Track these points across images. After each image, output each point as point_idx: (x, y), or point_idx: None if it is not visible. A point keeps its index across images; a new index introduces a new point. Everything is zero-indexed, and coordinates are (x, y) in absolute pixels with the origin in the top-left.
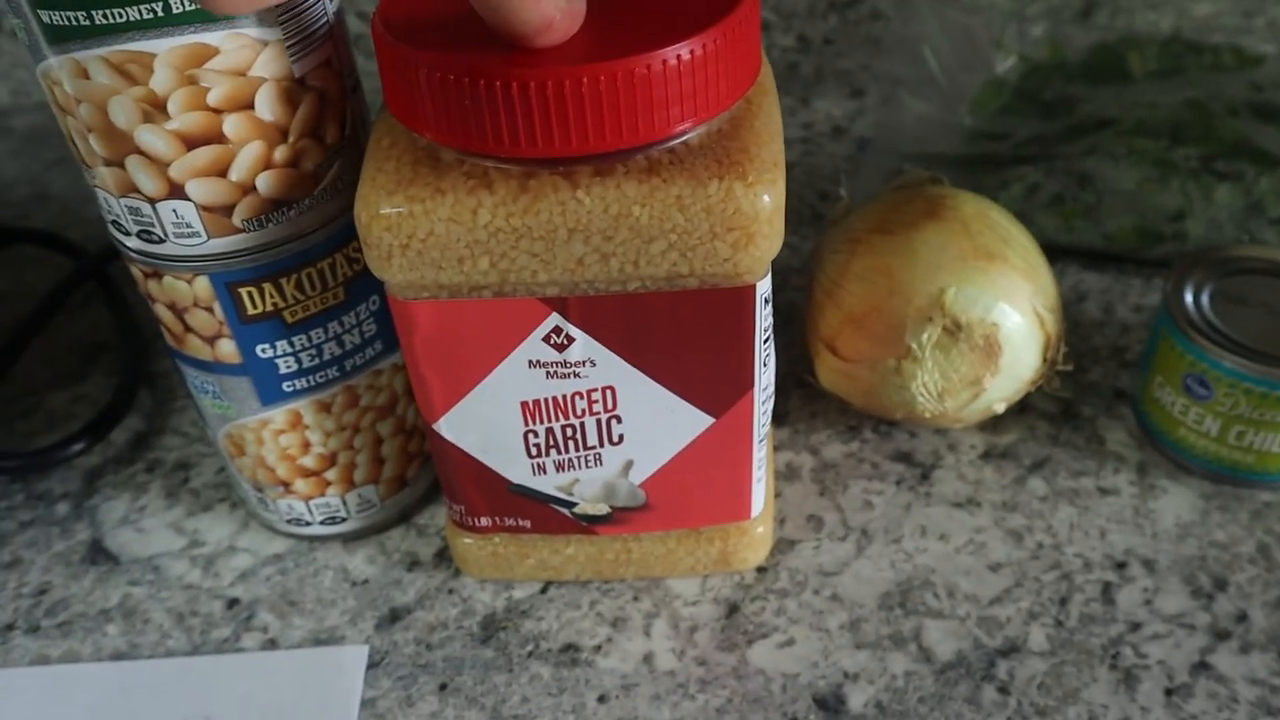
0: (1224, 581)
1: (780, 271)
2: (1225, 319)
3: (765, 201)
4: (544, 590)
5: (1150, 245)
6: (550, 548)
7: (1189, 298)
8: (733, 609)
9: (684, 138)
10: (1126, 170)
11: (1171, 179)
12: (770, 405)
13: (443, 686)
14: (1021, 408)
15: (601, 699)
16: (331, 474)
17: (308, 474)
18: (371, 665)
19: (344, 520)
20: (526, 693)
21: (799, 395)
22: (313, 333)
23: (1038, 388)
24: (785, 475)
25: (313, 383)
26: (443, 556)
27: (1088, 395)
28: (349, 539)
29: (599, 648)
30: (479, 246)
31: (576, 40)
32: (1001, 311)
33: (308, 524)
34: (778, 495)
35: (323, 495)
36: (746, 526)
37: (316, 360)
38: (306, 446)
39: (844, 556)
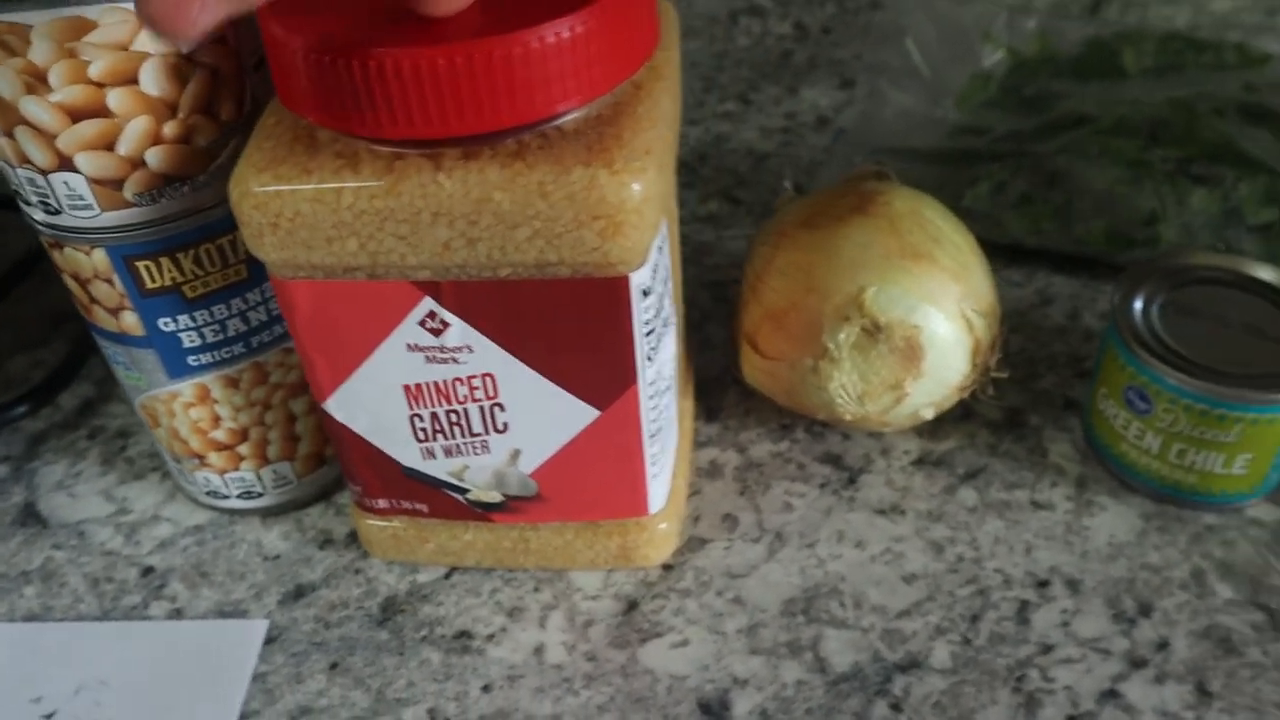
0: (1150, 607)
1: (736, 264)
2: (1173, 331)
3: (634, 190)
4: (448, 576)
5: (1121, 249)
6: (449, 533)
7: (1138, 307)
8: (632, 606)
9: (557, 121)
10: (1099, 170)
11: (1146, 181)
12: (669, 399)
13: (333, 666)
14: (964, 414)
15: (485, 688)
16: (244, 449)
17: (220, 448)
18: (270, 640)
19: (260, 495)
20: (413, 677)
21: (735, 392)
22: (215, 308)
23: (972, 395)
24: (708, 472)
25: (218, 358)
26: (355, 536)
27: (1038, 404)
28: (268, 514)
29: (492, 636)
30: (345, 228)
31: (453, 19)
32: (924, 314)
33: (225, 497)
34: (696, 493)
35: (236, 470)
36: (646, 523)
37: (221, 336)
38: (216, 421)
39: (754, 559)
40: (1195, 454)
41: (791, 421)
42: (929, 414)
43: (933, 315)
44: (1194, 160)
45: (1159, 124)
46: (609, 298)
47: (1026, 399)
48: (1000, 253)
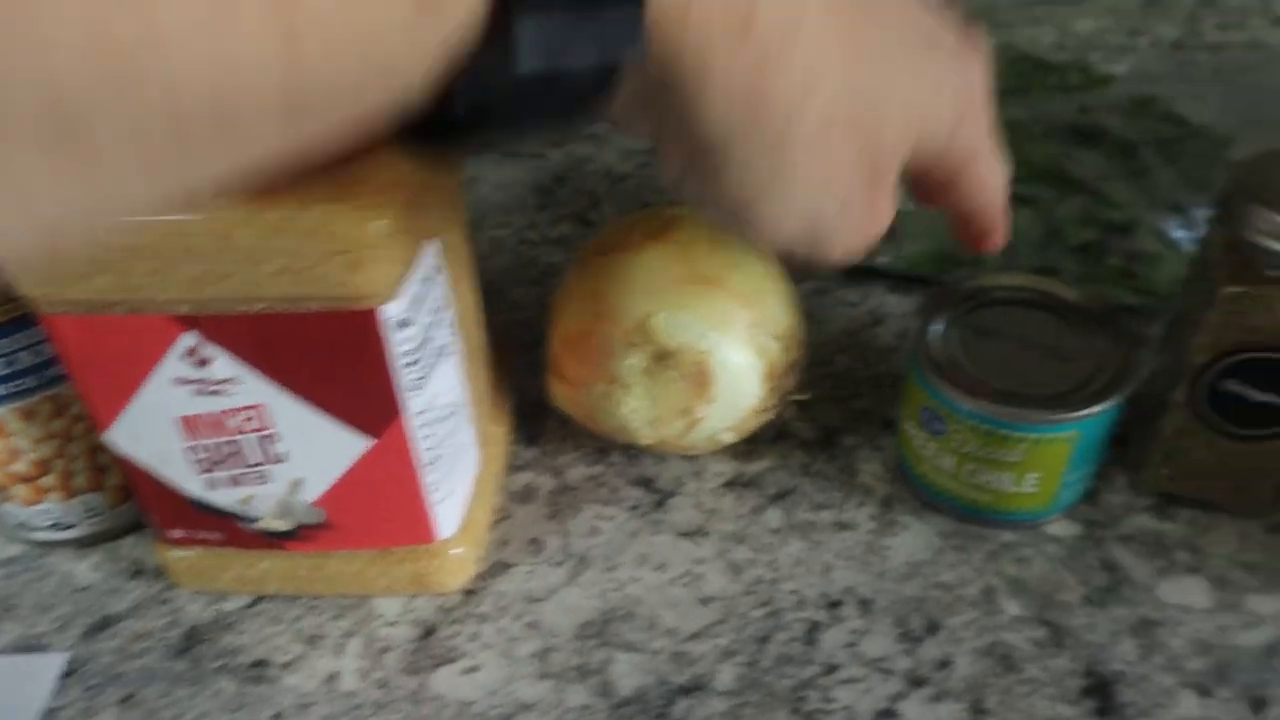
0: (937, 625)
1: None
2: (971, 353)
3: (377, 226)
4: (253, 604)
5: (949, 270)
6: (245, 561)
7: (938, 330)
8: (429, 631)
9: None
10: None
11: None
12: (451, 427)
13: (127, 698)
14: (779, 434)
15: (276, 717)
16: (48, 481)
17: (23, 480)
18: (69, 674)
19: (71, 527)
20: (207, 707)
21: (557, 416)
22: (1, 341)
23: (779, 416)
24: (521, 496)
25: (10, 390)
26: None
27: (856, 423)
28: (82, 544)
29: (288, 664)
30: (98, 264)
31: None
32: (713, 339)
33: (35, 530)
34: (507, 517)
35: (42, 502)
36: (438, 549)
37: (11, 369)
38: (15, 454)
39: (555, 583)
40: (986, 473)
41: (609, 445)
42: (728, 437)
43: (721, 341)
44: (1016, 181)
45: None
46: (361, 330)
47: (845, 418)
48: (839, 274)
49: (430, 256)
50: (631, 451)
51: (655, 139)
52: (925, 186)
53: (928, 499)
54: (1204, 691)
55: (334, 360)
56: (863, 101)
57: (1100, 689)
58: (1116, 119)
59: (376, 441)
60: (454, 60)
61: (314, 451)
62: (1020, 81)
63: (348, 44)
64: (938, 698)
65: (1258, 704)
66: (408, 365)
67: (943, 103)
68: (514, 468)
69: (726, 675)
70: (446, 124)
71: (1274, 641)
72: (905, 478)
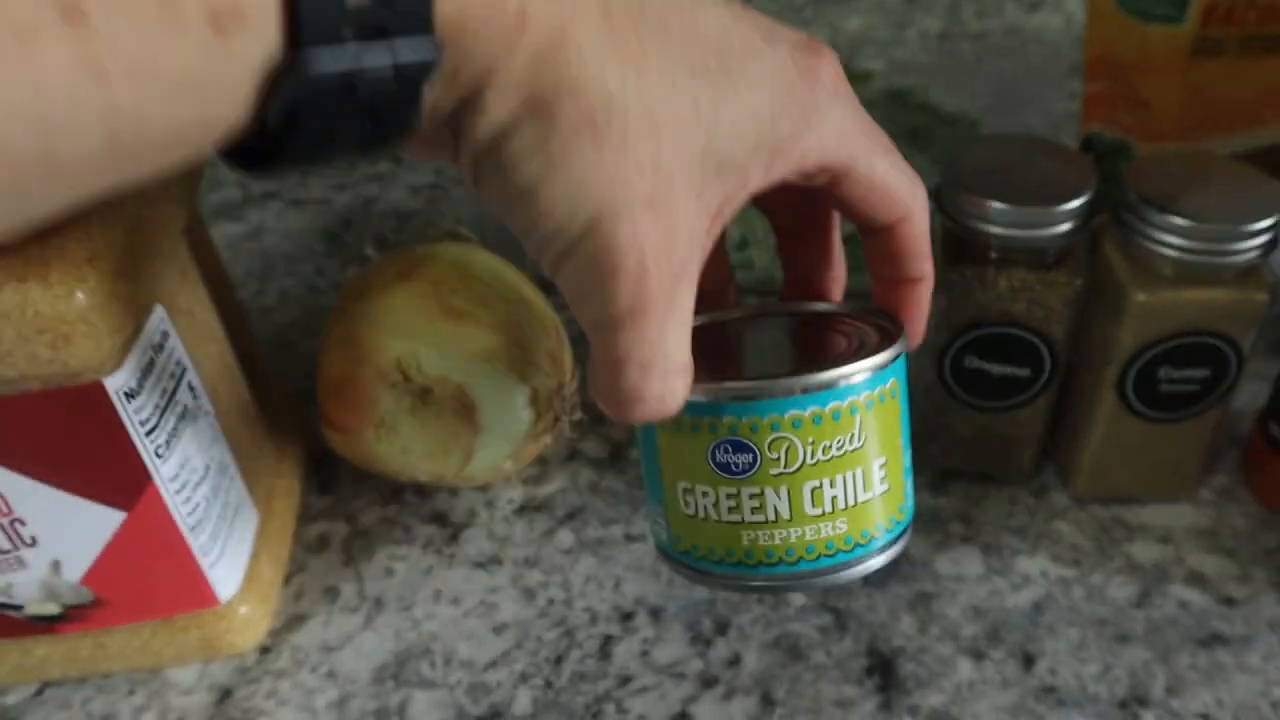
0: (727, 625)
1: None
2: (743, 363)
3: (77, 299)
4: (40, 692)
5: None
6: (21, 650)
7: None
8: (225, 695)
9: None
10: None
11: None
12: (213, 488)
13: None
14: (570, 454)
15: None
16: None
17: None
18: None
19: None
20: None
21: (349, 462)
22: None
23: (559, 440)
24: (315, 547)
25: None
26: None
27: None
28: None
29: None
30: None
31: None
32: (468, 370)
33: None
34: (302, 569)
35: None
36: (223, 611)
37: None
38: None
39: (351, 629)
40: (833, 486)
41: (402, 486)
42: (508, 465)
43: (478, 371)
44: None
45: None
46: (88, 405)
47: (634, 433)
48: None
49: (154, 321)
50: (425, 490)
51: (453, 156)
52: (803, 211)
53: (740, 577)
54: (978, 655)
55: (68, 437)
56: (650, 103)
57: (882, 666)
58: (871, 112)
59: (130, 513)
60: (263, 79)
61: (67, 531)
62: None
63: (155, 74)
64: (729, 695)
65: (1028, 660)
66: (148, 434)
67: (764, 110)
68: (307, 518)
69: (523, 700)
70: (264, 142)
71: (1040, 599)
72: (689, 567)
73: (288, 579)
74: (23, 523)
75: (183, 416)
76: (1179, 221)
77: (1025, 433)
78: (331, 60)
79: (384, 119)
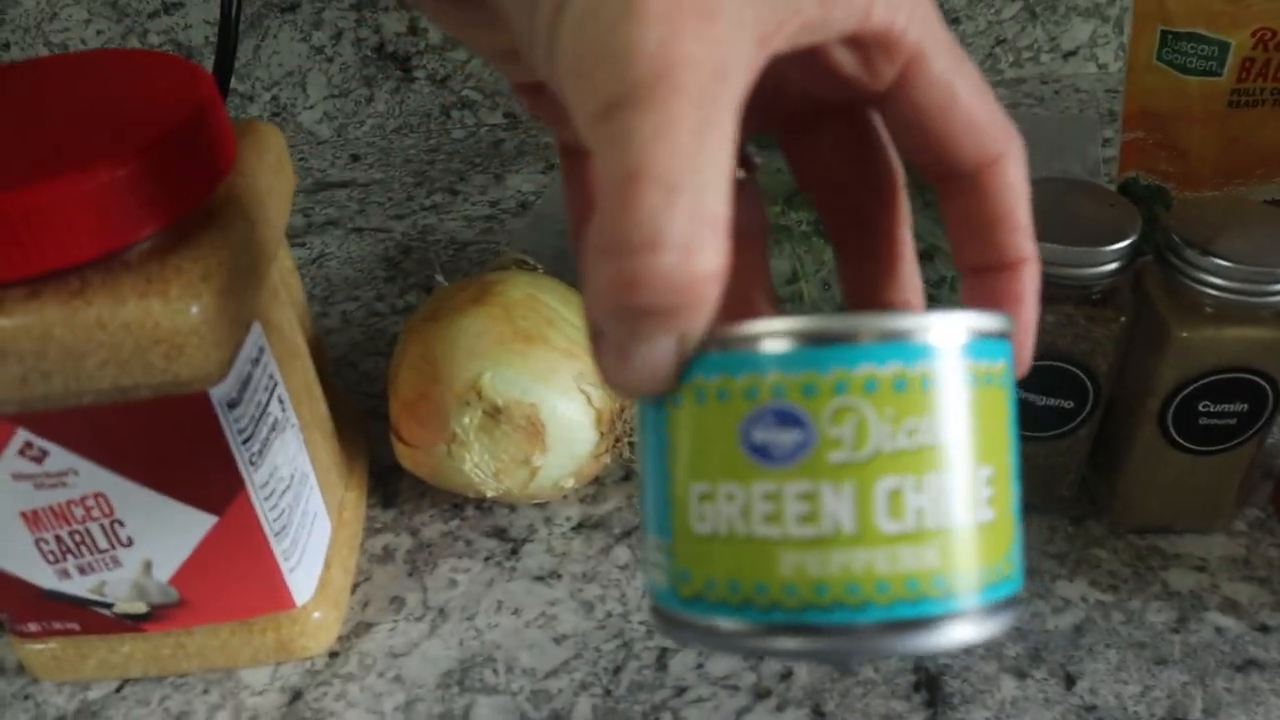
0: None
1: None
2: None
3: (192, 314)
4: (119, 689)
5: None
6: (107, 647)
7: None
8: (296, 696)
9: (122, 256)
10: None
11: (785, 243)
12: (298, 496)
13: None
14: (625, 475)
15: None
16: None
17: None
18: None
19: None
20: None
21: (412, 477)
22: None
23: (620, 456)
24: (380, 558)
25: None
26: None
27: None
28: None
29: None
30: None
31: None
32: (539, 392)
33: None
34: (367, 579)
35: None
36: (297, 615)
37: None
38: None
39: (416, 637)
40: (915, 492)
41: (463, 501)
42: (570, 483)
43: (547, 393)
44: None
45: (793, 190)
46: (193, 413)
47: None
48: None
49: (253, 338)
50: (484, 505)
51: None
52: (863, 191)
53: (773, 631)
54: (1021, 674)
55: (170, 443)
56: None
57: (929, 683)
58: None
59: (222, 517)
60: None
61: (161, 532)
62: None
63: None
64: (781, 707)
65: (1070, 680)
66: (243, 442)
67: None
68: (372, 530)
69: (583, 707)
70: None
71: (1080, 622)
72: (696, 624)
73: (355, 588)
74: (122, 524)
75: (273, 427)
76: (1219, 262)
77: (1066, 462)
78: None
79: None
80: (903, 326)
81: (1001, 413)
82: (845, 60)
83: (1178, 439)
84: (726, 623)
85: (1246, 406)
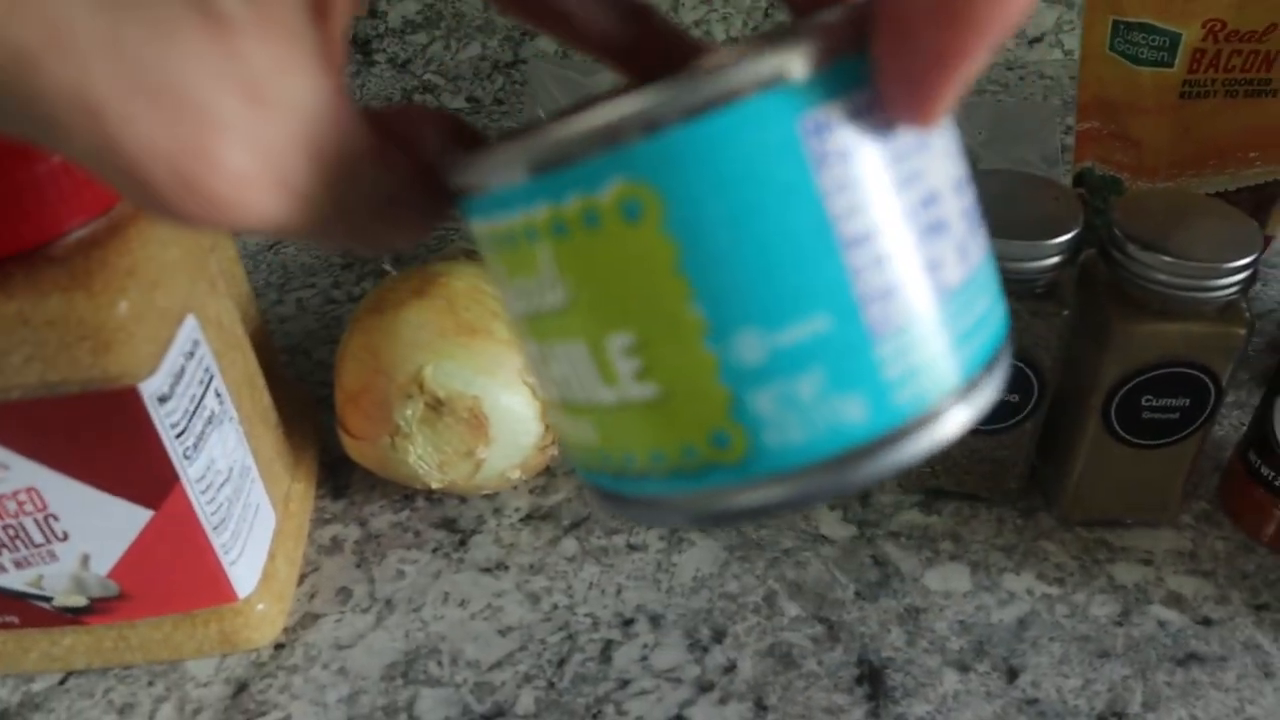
0: (723, 632)
1: None
2: None
3: (120, 309)
4: (63, 681)
5: None
6: (48, 640)
7: None
8: (241, 688)
9: (48, 249)
10: None
11: None
12: (236, 489)
13: None
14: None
15: None
16: None
17: None
18: None
19: None
20: None
21: (362, 468)
22: None
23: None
24: (328, 549)
25: None
26: None
27: None
28: None
29: None
30: None
31: None
32: (482, 385)
33: None
34: (315, 569)
35: None
36: (241, 607)
37: None
38: None
39: (362, 628)
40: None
41: (413, 492)
42: (516, 474)
43: (490, 385)
44: None
45: None
46: (124, 408)
47: None
48: None
49: (186, 331)
50: (434, 496)
51: None
52: None
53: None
54: (964, 668)
55: (101, 438)
56: None
57: (871, 675)
58: None
59: (158, 511)
60: None
61: (97, 526)
62: None
63: None
64: (724, 700)
65: (1012, 674)
66: (177, 436)
67: None
68: (321, 521)
69: (526, 699)
70: None
71: (1025, 615)
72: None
73: (302, 579)
74: (56, 518)
75: (209, 421)
76: (1163, 258)
77: (1014, 455)
78: None
79: None
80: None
81: (653, 246)
82: None
83: (1122, 433)
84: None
85: (1189, 401)
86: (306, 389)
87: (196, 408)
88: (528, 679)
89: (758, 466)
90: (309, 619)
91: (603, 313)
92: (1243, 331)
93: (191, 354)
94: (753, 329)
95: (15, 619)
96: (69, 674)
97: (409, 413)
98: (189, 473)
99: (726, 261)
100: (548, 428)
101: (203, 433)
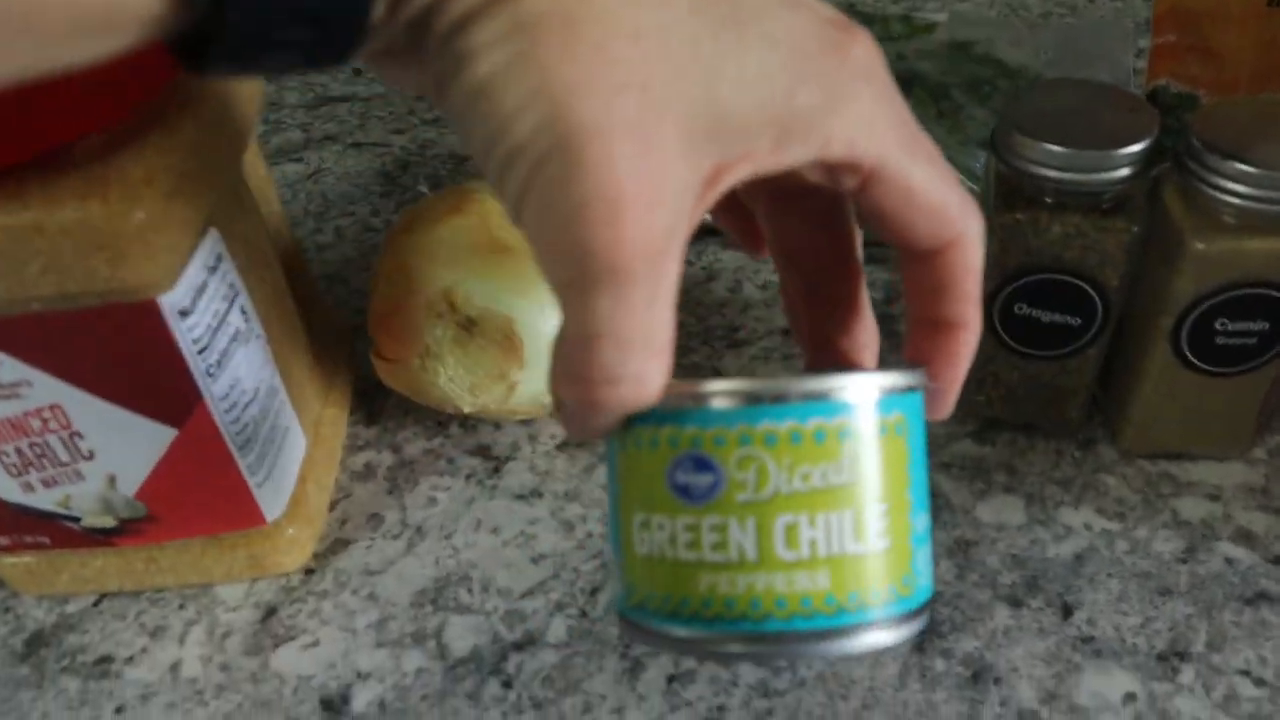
0: None
1: None
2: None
3: (136, 218)
4: (96, 603)
5: None
6: (79, 561)
7: None
8: (270, 612)
9: (65, 155)
10: None
11: None
12: (262, 409)
13: None
14: None
15: (119, 710)
16: None
17: None
18: None
19: None
20: (49, 708)
21: (397, 394)
22: None
23: None
24: (361, 475)
25: None
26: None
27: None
28: None
29: (132, 659)
30: None
31: None
32: (514, 304)
33: None
34: (347, 495)
35: None
36: (270, 531)
37: None
38: None
39: (393, 555)
40: (811, 527)
41: (448, 418)
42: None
43: (523, 305)
44: None
45: None
46: (142, 322)
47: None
48: None
49: (209, 244)
50: (468, 423)
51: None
52: (826, 254)
53: (697, 639)
54: (1016, 603)
55: (122, 353)
56: (639, 19)
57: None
58: (932, 64)
59: (181, 430)
60: None
61: (122, 445)
62: None
63: None
64: None
65: (1067, 610)
66: (200, 352)
67: (778, 73)
68: (354, 447)
69: (558, 627)
70: (204, 42)
71: (1082, 551)
72: (640, 627)
73: (333, 505)
74: (81, 436)
75: (234, 338)
76: (1242, 168)
77: (1074, 383)
78: None
79: (330, 25)
80: (801, 390)
81: (900, 456)
82: (810, 171)
83: (1193, 359)
84: (661, 629)
85: (1268, 325)
86: (343, 315)
87: (220, 324)
88: (559, 607)
89: (916, 601)
90: (339, 545)
91: (871, 489)
92: None
93: (214, 268)
94: (924, 512)
95: (47, 539)
96: (102, 596)
97: (439, 333)
98: (213, 390)
99: (919, 467)
100: None
101: (227, 349)
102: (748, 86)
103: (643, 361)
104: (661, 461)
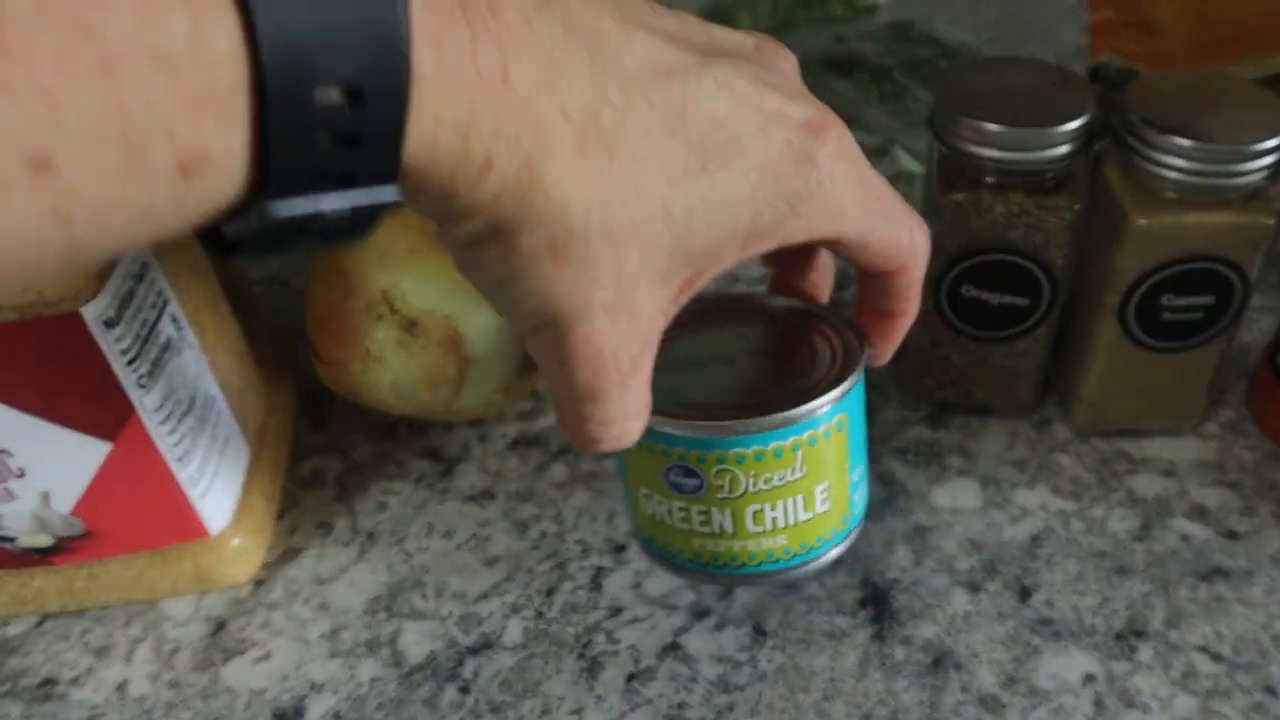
0: None
1: None
2: (680, 387)
3: None
4: (39, 624)
5: None
6: (17, 582)
7: None
8: (220, 626)
9: None
10: None
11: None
12: (200, 419)
13: None
14: None
15: None
16: None
17: None
18: None
19: None
20: None
21: (345, 397)
22: None
23: None
24: (308, 482)
25: None
26: None
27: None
28: None
29: (77, 679)
30: None
31: None
32: (456, 302)
33: None
34: (296, 504)
35: None
36: (214, 543)
37: None
38: None
39: (344, 562)
40: (773, 510)
41: (396, 421)
42: (500, 399)
43: (465, 303)
44: None
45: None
46: (67, 334)
47: None
48: None
49: (133, 253)
50: (417, 425)
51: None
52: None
53: (695, 571)
54: (974, 587)
55: (49, 367)
56: (613, 224)
57: (875, 598)
58: (872, 45)
59: (116, 444)
60: (222, 211)
61: (54, 461)
62: (786, 20)
63: (118, 213)
64: (720, 626)
65: (1025, 593)
66: (130, 363)
67: (744, 207)
68: (301, 454)
69: (514, 630)
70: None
71: (1038, 532)
72: (652, 554)
73: (281, 514)
74: (10, 454)
75: (166, 348)
76: (1182, 142)
77: (1025, 364)
78: (291, 208)
79: (339, 239)
80: (760, 425)
81: (842, 445)
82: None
83: (1141, 336)
84: (670, 559)
85: (1213, 299)
86: (283, 320)
87: (150, 333)
88: (515, 609)
89: (853, 522)
90: (289, 554)
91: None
92: (1270, 222)
93: (141, 276)
94: (861, 463)
95: None
96: (44, 617)
97: (380, 335)
98: (146, 402)
99: (859, 436)
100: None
101: (159, 360)
102: (714, 225)
103: (621, 425)
104: (659, 463)
